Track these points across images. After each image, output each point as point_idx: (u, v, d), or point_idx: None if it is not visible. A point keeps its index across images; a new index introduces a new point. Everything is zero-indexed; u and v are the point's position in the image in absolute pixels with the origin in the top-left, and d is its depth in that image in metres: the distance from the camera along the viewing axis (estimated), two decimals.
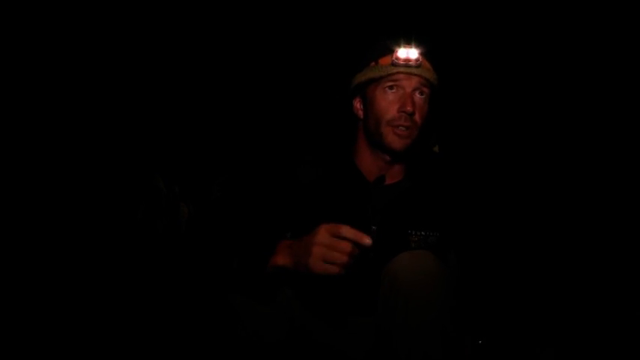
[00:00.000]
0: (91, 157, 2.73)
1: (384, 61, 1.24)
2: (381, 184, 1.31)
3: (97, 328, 1.94)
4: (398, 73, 1.23)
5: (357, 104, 1.31)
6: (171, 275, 2.20)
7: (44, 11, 2.58)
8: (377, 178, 1.31)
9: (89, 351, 1.82)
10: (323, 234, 1.02)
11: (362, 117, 1.31)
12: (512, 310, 1.37)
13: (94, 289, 2.19)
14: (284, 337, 1.15)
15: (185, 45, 2.83)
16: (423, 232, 1.28)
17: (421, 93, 1.25)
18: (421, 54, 1.23)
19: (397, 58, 1.22)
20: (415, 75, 1.23)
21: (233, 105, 2.89)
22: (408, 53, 1.22)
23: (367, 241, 0.99)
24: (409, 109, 1.22)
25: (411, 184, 1.32)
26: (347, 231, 1.00)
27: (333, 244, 1.00)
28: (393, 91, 1.24)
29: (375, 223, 1.28)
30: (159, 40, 2.80)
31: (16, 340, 1.82)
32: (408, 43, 1.24)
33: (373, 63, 1.26)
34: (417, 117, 1.24)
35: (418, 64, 1.23)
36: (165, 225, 2.64)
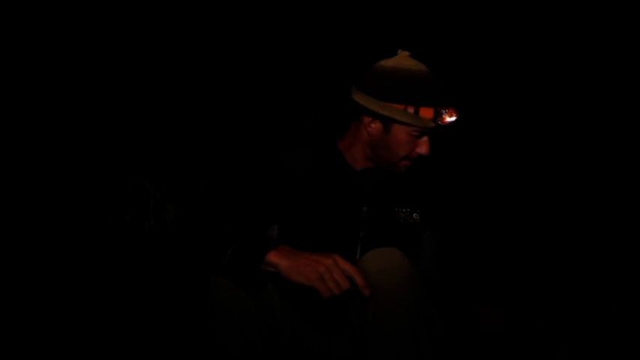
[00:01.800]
0: (78, 159, 2.73)
1: (425, 113, 1.25)
2: (367, 173, 1.38)
3: (85, 328, 1.94)
4: (433, 127, 1.27)
5: (371, 123, 1.32)
6: (158, 273, 2.21)
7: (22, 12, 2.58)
8: (363, 168, 1.38)
9: (77, 350, 1.83)
10: (336, 260, 1.05)
11: (373, 135, 1.33)
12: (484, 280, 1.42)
13: (79, 289, 2.19)
14: (267, 334, 1.16)
15: (169, 45, 2.83)
16: (408, 209, 1.36)
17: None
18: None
19: (443, 122, 1.27)
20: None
21: (219, 99, 2.89)
22: (452, 118, 1.27)
23: (367, 292, 1.04)
24: (428, 153, 1.30)
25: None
26: (358, 276, 1.04)
27: (338, 275, 1.03)
28: (418, 136, 1.29)
29: (365, 204, 1.34)
30: (143, 44, 2.80)
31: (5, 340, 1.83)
32: (452, 106, 1.28)
33: (412, 109, 1.25)
34: None
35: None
36: (152, 226, 2.64)
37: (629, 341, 1.67)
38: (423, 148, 1.30)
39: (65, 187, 2.66)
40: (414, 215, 1.36)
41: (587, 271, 2.04)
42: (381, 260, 1.09)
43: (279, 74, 2.79)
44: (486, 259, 1.40)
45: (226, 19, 2.80)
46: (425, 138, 1.30)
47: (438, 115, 1.26)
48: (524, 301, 1.64)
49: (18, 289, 2.13)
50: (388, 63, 1.31)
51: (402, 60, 1.31)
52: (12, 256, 2.31)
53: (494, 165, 2.72)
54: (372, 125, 1.31)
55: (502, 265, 1.41)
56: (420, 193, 1.39)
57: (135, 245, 2.57)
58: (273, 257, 1.07)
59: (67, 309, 2.06)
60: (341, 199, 1.34)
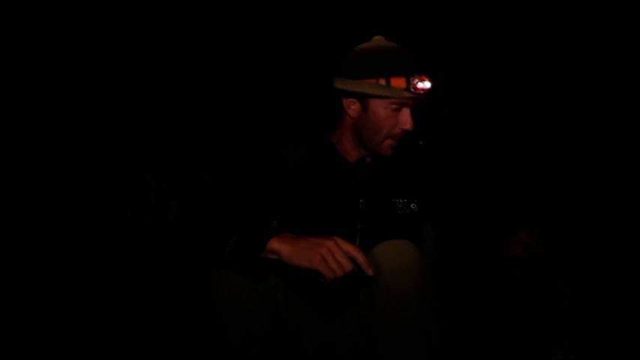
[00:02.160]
0: (80, 154, 2.73)
1: (397, 82, 1.26)
2: (362, 164, 1.38)
3: (86, 325, 1.95)
4: (409, 98, 1.27)
5: (351, 105, 1.33)
6: (161, 268, 2.22)
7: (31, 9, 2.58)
8: (357, 159, 1.38)
9: (80, 347, 1.83)
10: (337, 242, 1.05)
11: (354, 117, 1.34)
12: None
13: (82, 286, 2.19)
14: (271, 329, 1.16)
15: (170, 42, 2.83)
16: (405, 199, 1.36)
17: (415, 107, 1.31)
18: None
19: (415, 88, 1.26)
20: (421, 99, 1.29)
21: (217, 97, 2.90)
22: (424, 84, 1.26)
23: (371, 272, 1.04)
24: (410, 127, 1.29)
25: (386, 160, 1.39)
26: (359, 255, 1.04)
27: (340, 256, 1.03)
28: (398, 109, 1.28)
29: (361, 196, 1.35)
30: (144, 41, 2.80)
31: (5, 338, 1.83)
32: (423, 72, 1.27)
33: (383, 80, 1.27)
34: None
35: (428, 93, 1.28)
36: (154, 221, 2.65)
37: (629, 336, 1.68)
38: (405, 123, 1.29)
39: (67, 183, 2.67)
40: (412, 205, 1.37)
41: (587, 268, 2.05)
42: (394, 253, 1.10)
43: (276, 71, 2.80)
44: (484, 249, 1.41)
45: (226, 20, 2.81)
46: (405, 111, 1.29)
47: (410, 83, 1.26)
48: (524, 297, 1.64)
49: (18, 286, 2.13)
50: (361, 46, 1.34)
51: (375, 42, 1.34)
52: (12, 253, 2.31)
53: (493, 154, 2.73)
54: (352, 107, 1.33)
55: (498, 258, 1.42)
56: (416, 183, 1.40)
57: (137, 240, 2.58)
58: (274, 243, 1.07)
59: (69, 304, 2.07)
60: (337, 192, 1.35)
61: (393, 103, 1.27)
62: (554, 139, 2.71)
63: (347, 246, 1.04)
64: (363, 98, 1.30)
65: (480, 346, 1.56)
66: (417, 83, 1.25)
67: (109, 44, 2.77)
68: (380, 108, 1.29)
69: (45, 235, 2.45)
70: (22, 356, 1.78)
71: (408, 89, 1.26)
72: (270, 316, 1.17)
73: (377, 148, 1.33)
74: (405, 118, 1.29)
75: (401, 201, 1.37)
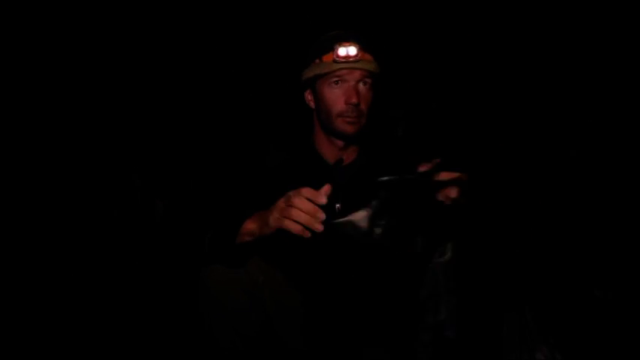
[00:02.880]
0: (66, 155, 2.71)
1: (327, 58, 1.32)
2: (341, 165, 1.39)
3: (72, 324, 1.94)
4: (340, 69, 1.31)
5: (308, 96, 1.40)
6: (149, 268, 2.21)
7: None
8: (336, 161, 1.39)
9: (66, 346, 1.82)
10: (288, 196, 1.07)
11: (314, 107, 1.39)
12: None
13: (68, 286, 2.18)
14: (259, 328, 1.17)
15: (155, 43, 2.83)
16: None
17: (364, 83, 1.33)
18: (360, 49, 1.31)
19: (338, 56, 1.30)
20: (357, 69, 1.31)
21: (203, 99, 2.90)
22: (348, 51, 1.30)
23: (322, 200, 1.04)
24: (354, 100, 1.31)
25: (367, 160, 1.41)
26: (306, 191, 1.05)
27: (293, 202, 1.04)
28: (338, 85, 1.32)
29: (338, 200, 1.34)
30: (129, 42, 2.80)
31: None
32: (346, 40, 1.32)
33: (317, 60, 1.34)
34: (362, 106, 1.33)
35: (358, 59, 1.31)
36: (140, 221, 2.64)
37: (612, 326, 1.70)
38: (348, 97, 1.31)
39: (53, 183, 2.65)
40: None
41: (570, 260, 2.08)
42: None
43: (264, 73, 2.82)
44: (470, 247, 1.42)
45: (209, 22, 2.81)
46: (345, 86, 1.32)
47: (335, 56, 1.30)
48: (508, 291, 1.66)
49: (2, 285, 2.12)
50: None
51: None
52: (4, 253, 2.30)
53: (480, 148, 2.74)
54: (309, 97, 1.40)
55: (486, 254, 1.43)
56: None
57: (124, 241, 2.57)
58: (247, 225, 1.12)
59: (54, 304, 2.06)
60: None
61: (330, 78, 1.32)
62: (543, 134, 2.73)
63: (298, 194, 1.05)
64: (311, 85, 1.37)
65: (469, 343, 1.57)
66: (337, 50, 1.30)
67: (96, 46, 2.76)
68: (323, 87, 1.34)
69: (30, 235, 2.43)
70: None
71: (335, 60, 1.30)
72: (258, 315, 1.18)
73: (335, 128, 1.34)
74: (347, 92, 1.32)
75: None
